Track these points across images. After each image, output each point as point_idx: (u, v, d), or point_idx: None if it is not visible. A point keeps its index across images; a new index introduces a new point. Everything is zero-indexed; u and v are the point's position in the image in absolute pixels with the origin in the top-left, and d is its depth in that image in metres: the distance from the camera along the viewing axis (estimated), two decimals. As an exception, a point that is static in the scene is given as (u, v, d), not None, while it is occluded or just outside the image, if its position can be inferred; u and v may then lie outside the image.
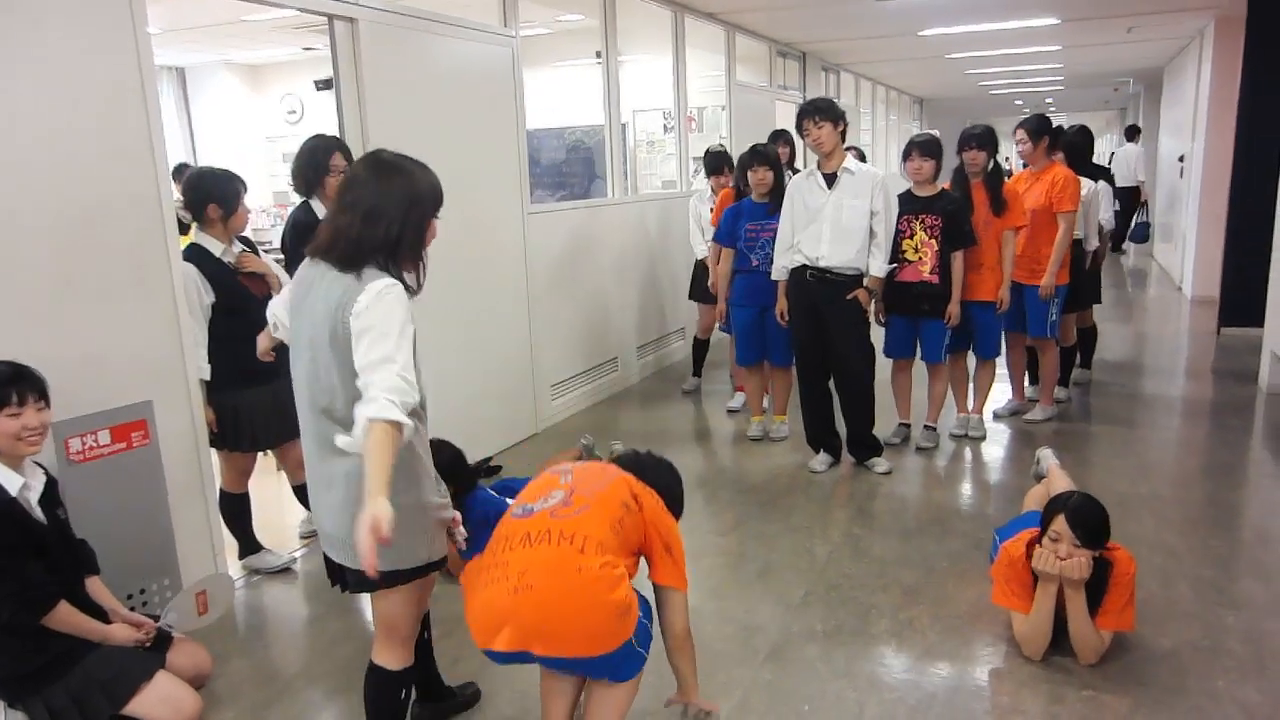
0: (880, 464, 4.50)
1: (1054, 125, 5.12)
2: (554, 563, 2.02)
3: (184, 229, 3.65)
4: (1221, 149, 8.09)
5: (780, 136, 6.30)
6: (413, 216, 1.98)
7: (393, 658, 2.19)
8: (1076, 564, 2.61)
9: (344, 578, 2.15)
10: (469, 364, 4.80)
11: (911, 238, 4.54)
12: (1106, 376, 6.20)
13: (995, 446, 4.89)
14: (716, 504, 4.23)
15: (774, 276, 4.53)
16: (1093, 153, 6.02)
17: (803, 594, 3.27)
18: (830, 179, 4.29)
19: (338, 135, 3.93)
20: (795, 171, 6.17)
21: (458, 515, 2.22)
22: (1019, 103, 20.35)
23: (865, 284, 4.30)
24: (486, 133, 4.90)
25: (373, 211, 1.93)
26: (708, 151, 6.07)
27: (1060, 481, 3.67)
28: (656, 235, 6.95)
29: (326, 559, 2.19)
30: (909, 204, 4.57)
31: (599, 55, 6.43)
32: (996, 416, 5.30)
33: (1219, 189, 8.02)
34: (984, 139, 4.64)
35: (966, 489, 4.36)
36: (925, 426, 4.88)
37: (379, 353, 1.84)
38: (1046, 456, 3.97)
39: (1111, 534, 2.70)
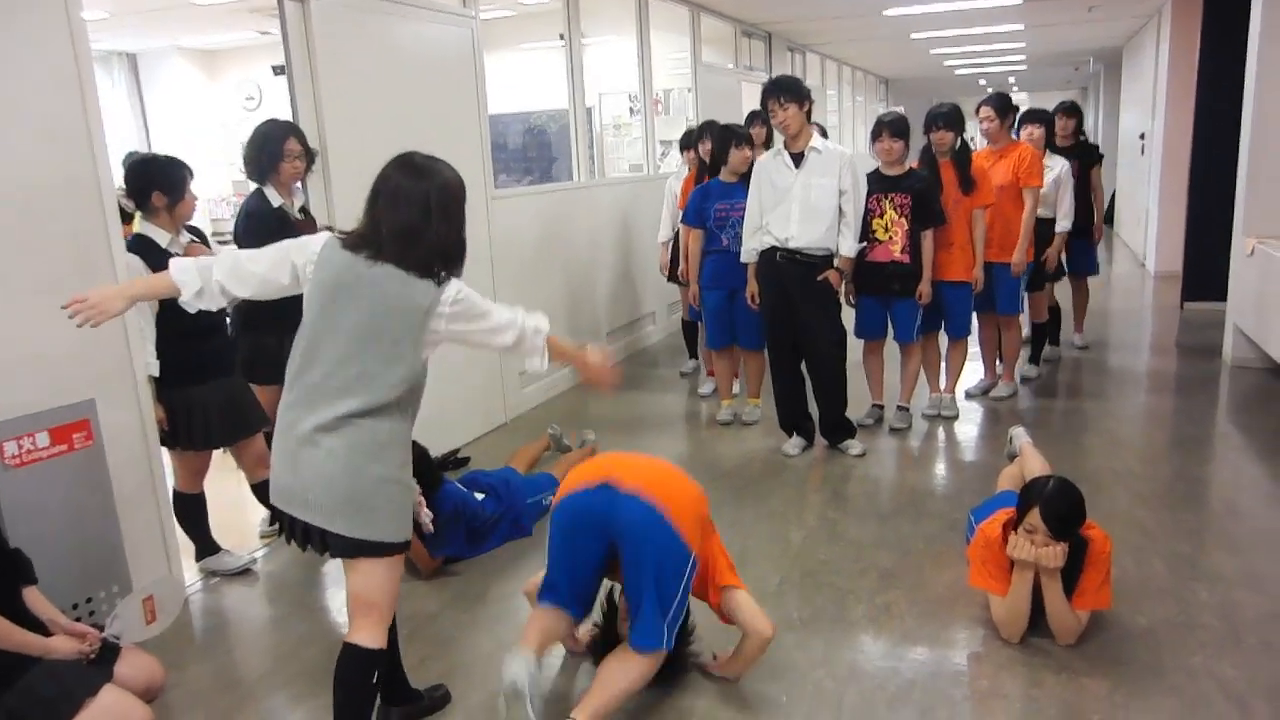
0: (854, 446, 4.46)
1: (1014, 105, 5.12)
2: (649, 460, 2.64)
3: (128, 218, 3.50)
4: (1181, 126, 8.14)
5: (756, 118, 6.24)
6: (463, 213, 2.18)
7: (370, 636, 2.18)
8: (1052, 553, 2.58)
9: (324, 543, 2.15)
10: (434, 354, 4.68)
11: (881, 217, 4.50)
12: (1075, 352, 6.23)
13: (968, 425, 4.88)
14: (689, 491, 4.16)
15: (743, 259, 4.47)
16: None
17: (778, 581, 3.22)
18: (797, 158, 4.22)
19: (291, 120, 3.81)
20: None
21: (421, 499, 2.46)
22: (983, 82, 20.43)
23: (836, 264, 4.25)
24: (447, 116, 4.77)
25: (445, 217, 2.10)
26: (687, 132, 6.01)
27: (1033, 460, 3.66)
28: (626, 219, 6.86)
29: (295, 527, 2.16)
30: (878, 183, 4.52)
31: (563, 37, 6.31)
32: (969, 395, 5.29)
33: (1179, 166, 8.06)
34: (951, 118, 4.60)
35: (940, 469, 4.33)
36: (898, 407, 4.85)
37: (505, 315, 2.21)
38: (1019, 435, 3.95)
39: (1086, 515, 2.67)
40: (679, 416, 5.38)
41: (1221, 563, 3.16)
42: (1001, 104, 4.93)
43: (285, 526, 2.19)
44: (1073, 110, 6.00)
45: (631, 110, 9.41)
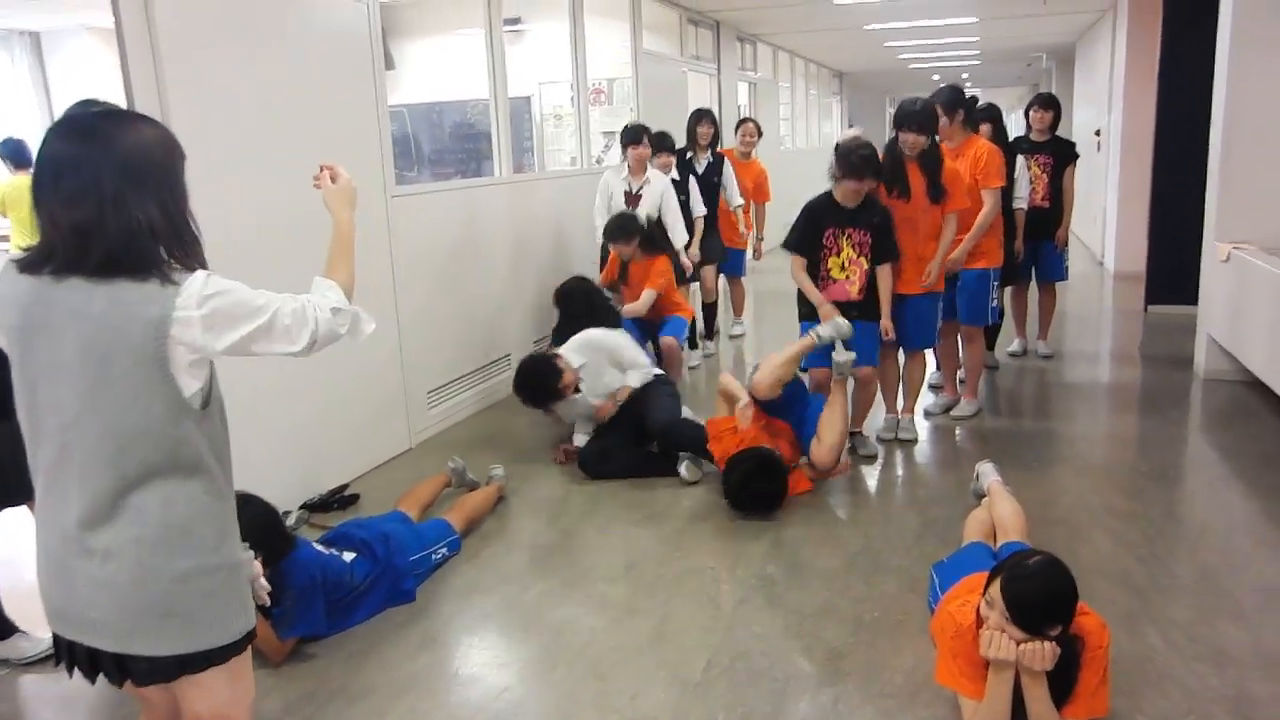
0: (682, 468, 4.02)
1: (969, 98, 4.62)
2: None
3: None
4: (1141, 122, 7.79)
5: (703, 117, 5.95)
6: (171, 180, 1.58)
7: None
8: (1039, 652, 2.05)
9: (122, 669, 1.62)
10: (322, 373, 4.02)
11: (838, 255, 4.01)
12: (1033, 361, 5.77)
13: (928, 452, 4.35)
14: (606, 539, 3.57)
15: None
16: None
17: (704, 665, 2.65)
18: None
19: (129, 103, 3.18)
20: (713, 153, 6.03)
21: (257, 566, 1.79)
22: (936, 78, 20.16)
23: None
24: (336, 104, 4.15)
25: (136, 189, 1.50)
26: (626, 127, 5.60)
27: (1003, 504, 3.15)
28: (557, 216, 6.24)
29: (75, 652, 1.64)
30: (833, 215, 4.00)
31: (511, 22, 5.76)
32: (928, 414, 4.78)
33: (1140, 160, 7.71)
34: (924, 120, 4.03)
35: (898, 509, 3.77)
36: (851, 433, 4.32)
37: (290, 306, 1.60)
38: (987, 473, 3.44)
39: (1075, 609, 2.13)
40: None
41: (1228, 635, 2.65)
42: (952, 98, 4.42)
43: (64, 653, 1.66)
44: (1049, 102, 5.58)
45: (572, 100, 8.84)
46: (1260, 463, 3.98)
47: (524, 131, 8.79)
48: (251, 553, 1.72)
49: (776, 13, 9.58)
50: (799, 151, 14.00)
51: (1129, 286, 7.97)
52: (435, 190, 5.48)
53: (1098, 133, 10.02)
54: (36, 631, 2.95)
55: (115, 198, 1.47)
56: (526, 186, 6.01)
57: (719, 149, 6.12)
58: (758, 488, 3.59)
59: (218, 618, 1.61)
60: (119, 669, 1.61)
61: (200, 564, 1.58)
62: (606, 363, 4.29)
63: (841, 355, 3.81)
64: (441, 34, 8.72)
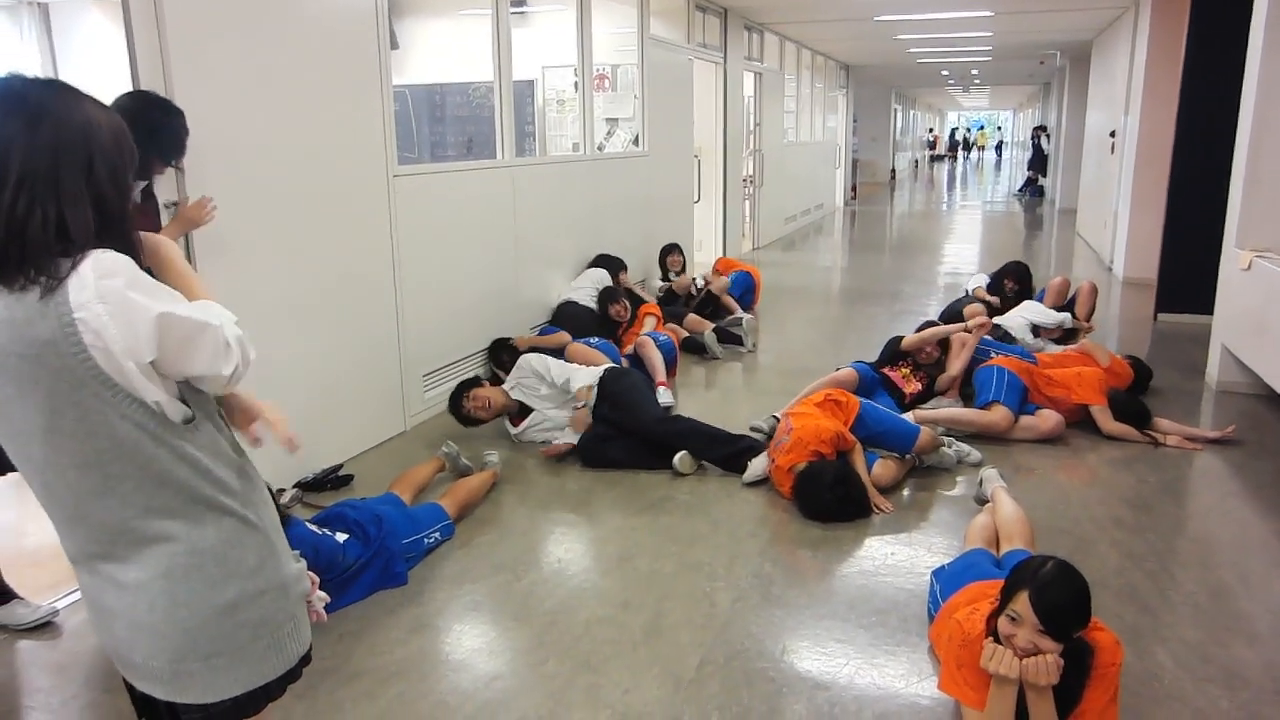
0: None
1: None
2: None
3: None
4: (1159, 125, 7.66)
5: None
6: (125, 168, 1.30)
7: None
8: (1043, 666, 1.97)
9: (173, 715, 1.42)
10: (318, 353, 3.98)
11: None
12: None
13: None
14: (601, 530, 3.50)
15: None
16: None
17: (698, 663, 2.58)
18: None
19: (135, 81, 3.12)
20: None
21: (314, 578, 1.55)
22: (945, 73, 20.04)
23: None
24: (340, 85, 4.07)
25: (56, 173, 1.21)
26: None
27: (1006, 509, 3.08)
28: (559, 203, 6.15)
29: (135, 695, 1.47)
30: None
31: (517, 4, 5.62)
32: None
33: (1156, 165, 7.60)
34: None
35: (899, 511, 3.62)
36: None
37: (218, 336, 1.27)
38: (991, 478, 3.37)
39: (1091, 612, 2.05)
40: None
41: (1240, 657, 2.56)
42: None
43: (130, 693, 1.49)
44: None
45: (576, 86, 8.72)
46: (1275, 478, 3.89)
47: (526, 116, 8.68)
48: (303, 563, 1.51)
49: (789, 0, 9.44)
50: (802, 144, 13.91)
51: (1138, 293, 7.88)
52: (438, 171, 5.39)
53: (1113, 134, 9.90)
54: (35, 598, 2.92)
55: (20, 180, 1.19)
56: (529, 171, 5.90)
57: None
58: (840, 513, 3.46)
59: (271, 647, 1.40)
60: (172, 713, 1.41)
61: (243, 591, 1.36)
62: (539, 383, 4.34)
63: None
64: (446, 15, 8.60)
